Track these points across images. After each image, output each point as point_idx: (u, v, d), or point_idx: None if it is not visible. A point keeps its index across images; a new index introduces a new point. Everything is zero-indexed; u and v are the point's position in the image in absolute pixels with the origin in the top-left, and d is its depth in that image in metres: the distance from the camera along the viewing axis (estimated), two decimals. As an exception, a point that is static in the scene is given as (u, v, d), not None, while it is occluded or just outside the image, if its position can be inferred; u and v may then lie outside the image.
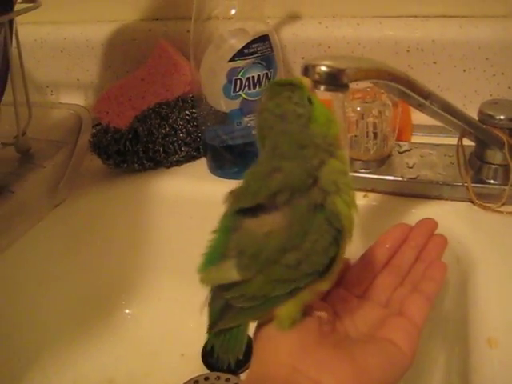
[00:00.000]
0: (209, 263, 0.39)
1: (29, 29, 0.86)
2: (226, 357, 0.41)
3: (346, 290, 0.45)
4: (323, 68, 0.38)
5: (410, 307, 0.42)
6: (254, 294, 0.38)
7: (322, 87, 0.39)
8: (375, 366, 0.37)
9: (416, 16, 0.74)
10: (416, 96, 0.47)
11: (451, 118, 0.53)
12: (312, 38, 0.76)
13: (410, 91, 0.46)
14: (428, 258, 0.48)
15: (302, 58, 0.78)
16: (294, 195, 0.36)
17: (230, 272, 0.37)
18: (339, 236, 0.37)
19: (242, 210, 0.38)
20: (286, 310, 0.39)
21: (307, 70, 0.39)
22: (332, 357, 0.38)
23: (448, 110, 0.52)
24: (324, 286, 0.39)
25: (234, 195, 0.39)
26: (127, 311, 0.74)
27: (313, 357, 0.37)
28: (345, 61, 0.40)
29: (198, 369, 0.64)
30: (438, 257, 0.48)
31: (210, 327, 0.40)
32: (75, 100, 0.91)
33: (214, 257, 0.39)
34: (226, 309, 0.39)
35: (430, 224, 0.50)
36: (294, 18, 0.79)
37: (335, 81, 0.38)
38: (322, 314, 0.41)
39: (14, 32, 0.67)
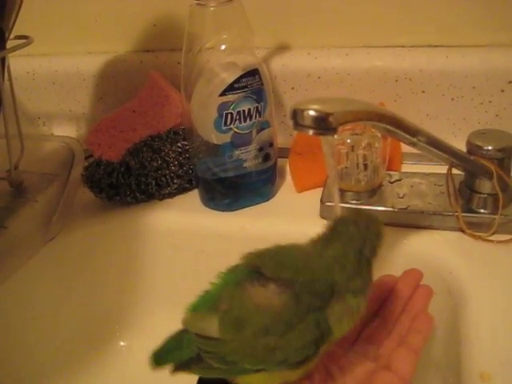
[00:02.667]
0: (198, 307, 0.41)
1: (20, 61, 0.86)
2: None
3: (335, 345, 0.45)
4: (311, 112, 0.39)
5: (398, 361, 0.42)
6: (225, 356, 0.38)
7: (311, 131, 0.39)
8: None
9: (404, 46, 0.74)
10: (404, 134, 0.47)
11: (440, 153, 0.53)
12: (301, 68, 0.77)
13: (398, 130, 0.46)
14: (414, 309, 0.48)
15: (292, 88, 0.78)
16: (310, 292, 0.38)
17: (212, 326, 0.38)
18: (321, 340, 0.38)
19: (258, 271, 0.39)
20: (253, 380, 0.40)
21: (295, 115, 0.40)
22: None
23: (436, 145, 0.52)
24: (293, 376, 0.40)
25: (260, 256, 0.40)
26: (122, 343, 0.74)
27: None
28: (332, 104, 0.40)
29: (193, 401, 0.64)
30: (425, 308, 0.48)
31: (175, 369, 0.42)
32: (67, 131, 0.92)
33: (206, 303, 0.40)
34: (196, 359, 0.40)
35: (416, 274, 0.51)
36: (283, 48, 0.79)
37: (324, 125, 0.39)
38: (314, 375, 0.41)
39: (6, 66, 0.68)
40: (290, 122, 0.40)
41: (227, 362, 0.38)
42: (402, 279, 0.51)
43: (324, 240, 0.41)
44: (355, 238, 0.40)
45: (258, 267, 0.39)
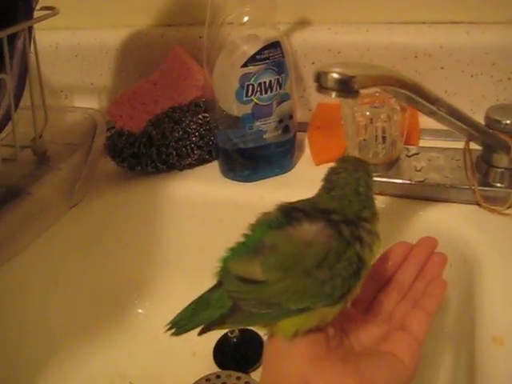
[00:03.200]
0: (235, 252, 0.41)
1: (44, 34, 0.87)
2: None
3: (351, 306, 0.46)
4: (334, 75, 0.40)
5: (412, 322, 0.44)
6: (268, 299, 0.39)
7: (334, 94, 0.40)
8: (380, 378, 0.39)
9: (424, 22, 0.75)
10: (424, 102, 0.48)
11: (458, 123, 0.54)
12: (322, 43, 0.78)
13: (418, 97, 0.47)
14: (429, 275, 0.49)
15: (313, 63, 0.79)
16: (344, 222, 0.39)
17: (255, 269, 0.39)
18: (361, 270, 0.40)
19: (289, 214, 0.40)
20: (292, 323, 0.40)
21: (319, 77, 0.41)
22: (340, 369, 0.39)
23: (455, 115, 0.53)
24: (332, 312, 0.41)
25: (288, 203, 0.42)
26: (140, 311, 0.76)
27: (322, 369, 0.39)
28: (355, 68, 0.41)
29: (210, 367, 0.66)
30: (439, 274, 0.49)
31: (205, 329, 0.41)
32: (89, 104, 0.93)
33: (243, 250, 0.41)
34: (230, 312, 0.40)
35: (431, 242, 0.52)
36: (304, 23, 0.80)
37: (346, 87, 0.40)
38: (330, 329, 0.42)
39: (32, 38, 0.69)
40: (314, 85, 0.41)
41: (270, 304, 0.39)
42: (417, 246, 0.52)
43: (324, 190, 0.43)
44: (348, 181, 0.42)
45: (293, 207, 0.40)
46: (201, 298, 0.43)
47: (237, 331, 0.69)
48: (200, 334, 0.42)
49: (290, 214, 0.40)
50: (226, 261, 0.41)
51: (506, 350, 0.45)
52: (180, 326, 0.43)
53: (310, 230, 0.39)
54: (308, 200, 0.43)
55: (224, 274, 0.41)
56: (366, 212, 0.42)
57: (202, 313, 0.42)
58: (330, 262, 0.38)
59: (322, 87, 0.41)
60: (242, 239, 0.41)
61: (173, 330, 0.43)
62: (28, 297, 0.65)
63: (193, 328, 0.42)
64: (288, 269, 0.38)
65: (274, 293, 0.39)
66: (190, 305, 0.43)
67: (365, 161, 0.45)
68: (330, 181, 0.43)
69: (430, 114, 0.52)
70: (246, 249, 0.41)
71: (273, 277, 0.39)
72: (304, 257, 0.38)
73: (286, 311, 0.39)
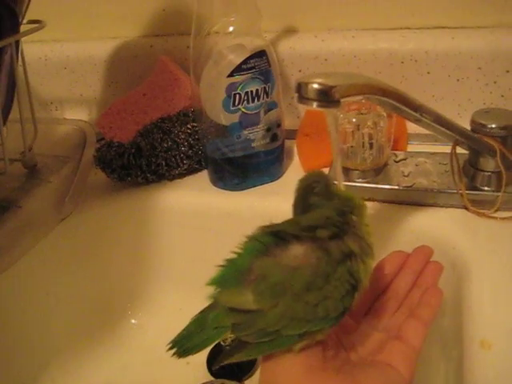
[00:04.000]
0: (223, 279, 0.40)
1: (33, 47, 0.88)
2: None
3: (347, 316, 0.46)
4: (315, 85, 0.40)
5: (408, 332, 0.44)
6: (266, 328, 0.38)
7: (315, 104, 0.40)
8: None
9: (409, 28, 0.75)
10: (407, 109, 0.48)
11: (443, 129, 0.54)
12: (308, 51, 0.78)
13: (401, 105, 0.47)
14: (424, 284, 0.49)
15: (299, 70, 0.79)
16: (331, 238, 0.39)
17: (246, 297, 0.38)
18: (355, 287, 0.39)
19: (275, 236, 0.39)
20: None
21: (300, 88, 0.41)
22: (336, 380, 0.39)
23: (440, 121, 0.53)
24: (326, 333, 0.41)
25: (271, 225, 0.41)
26: (133, 321, 0.76)
27: (318, 380, 0.39)
28: (336, 78, 0.41)
29: (203, 376, 0.66)
30: (434, 283, 0.49)
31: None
32: (79, 115, 0.93)
33: (231, 275, 0.40)
34: (237, 346, 0.40)
35: (427, 251, 0.52)
36: (290, 32, 0.80)
37: (327, 97, 0.40)
38: (327, 340, 0.42)
39: (19, 51, 0.70)
40: (295, 96, 0.42)
41: (269, 333, 0.39)
42: (413, 255, 0.52)
43: (304, 213, 0.42)
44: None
45: (279, 230, 0.40)
46: (198, 317, 0.42)
47: (230, 339, 0.69)
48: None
49: (275, 236, 0.40)
50: (213, 284, 0.41)
51: (494, 354, 0.45)
52: (181, 345, 0.42)
53: (296, 253, 0.38)
54: (291, 220, 0.42)
55: (215, 307, 0.41)
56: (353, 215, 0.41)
57: (201, 333, 0.42)
58: (318, 285, 0.38)
59: (302, 98, 0.41)
60: (226, 266, 0.41)
61: (174, 350, 0.42)
62: (20, 309, 0.65)
63: (194, 350, 0.42)
64: (278, 295, 0.38)
65: (270, 321, 0.38)
66: (188, 325, 0.43)
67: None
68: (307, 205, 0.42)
69: (416, 121, 0.52)
70: (235, 274, 0.40)
71: (265, 305, 0.38)
72: (292, 282, 0.38)
73: (286, 338, 0.39)
